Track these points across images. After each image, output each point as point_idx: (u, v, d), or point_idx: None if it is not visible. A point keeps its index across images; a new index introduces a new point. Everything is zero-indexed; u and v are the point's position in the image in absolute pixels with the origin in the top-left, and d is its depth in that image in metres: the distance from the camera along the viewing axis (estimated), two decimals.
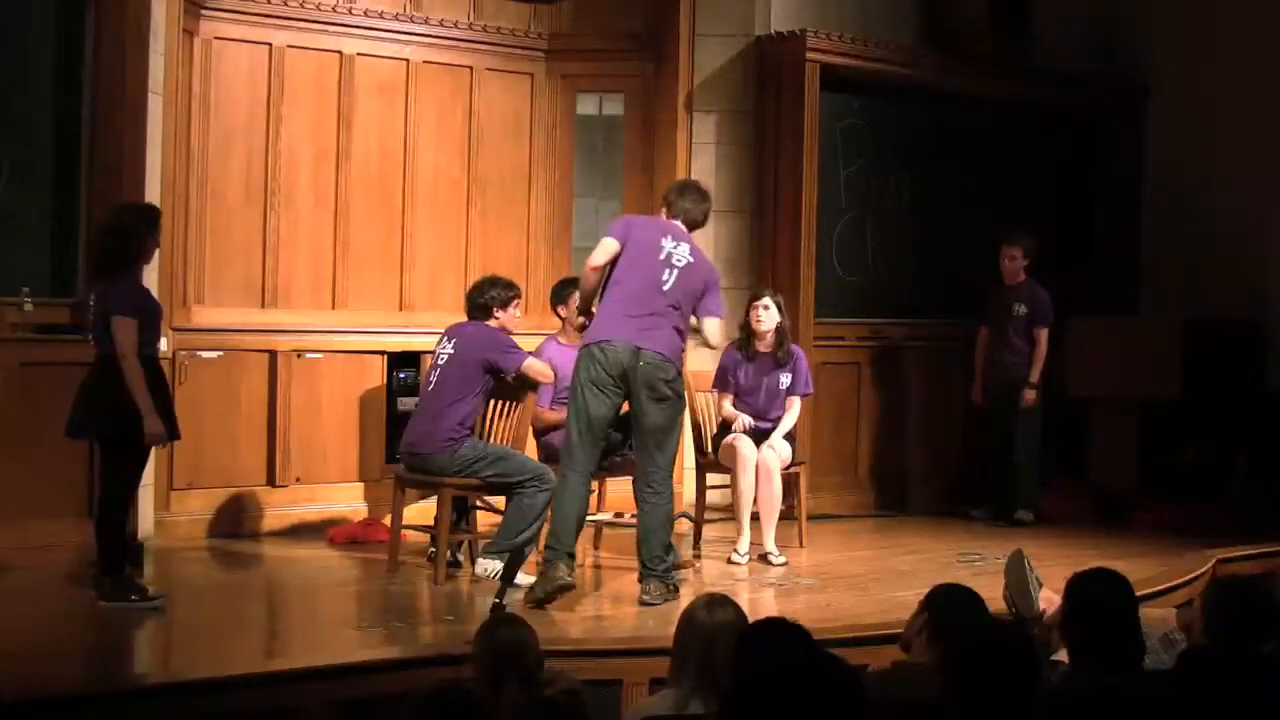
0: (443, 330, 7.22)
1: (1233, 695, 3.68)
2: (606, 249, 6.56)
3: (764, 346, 7.67)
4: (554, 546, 6.30)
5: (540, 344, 7.55)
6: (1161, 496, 9.18)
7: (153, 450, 6.46)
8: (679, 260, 6.51)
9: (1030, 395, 9.01)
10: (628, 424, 6.80)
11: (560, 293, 7.67)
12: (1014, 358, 9.08)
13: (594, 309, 6.67)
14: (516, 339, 7.17)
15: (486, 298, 7.13)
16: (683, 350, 6.62)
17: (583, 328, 6.74)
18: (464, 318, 7.23)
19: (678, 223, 6.69)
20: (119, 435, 6.06)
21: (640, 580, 6.45)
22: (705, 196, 6.84)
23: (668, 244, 6.53)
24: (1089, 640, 3.81)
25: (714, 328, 6.68)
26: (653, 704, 4.03)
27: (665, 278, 6.47)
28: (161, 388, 6.20)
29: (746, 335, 7.70)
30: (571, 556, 6.34)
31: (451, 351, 6.97)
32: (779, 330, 7.66)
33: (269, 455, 8.01)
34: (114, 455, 6.13)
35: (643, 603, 6.35)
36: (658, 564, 6.42)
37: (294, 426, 8.05)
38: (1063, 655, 4.06)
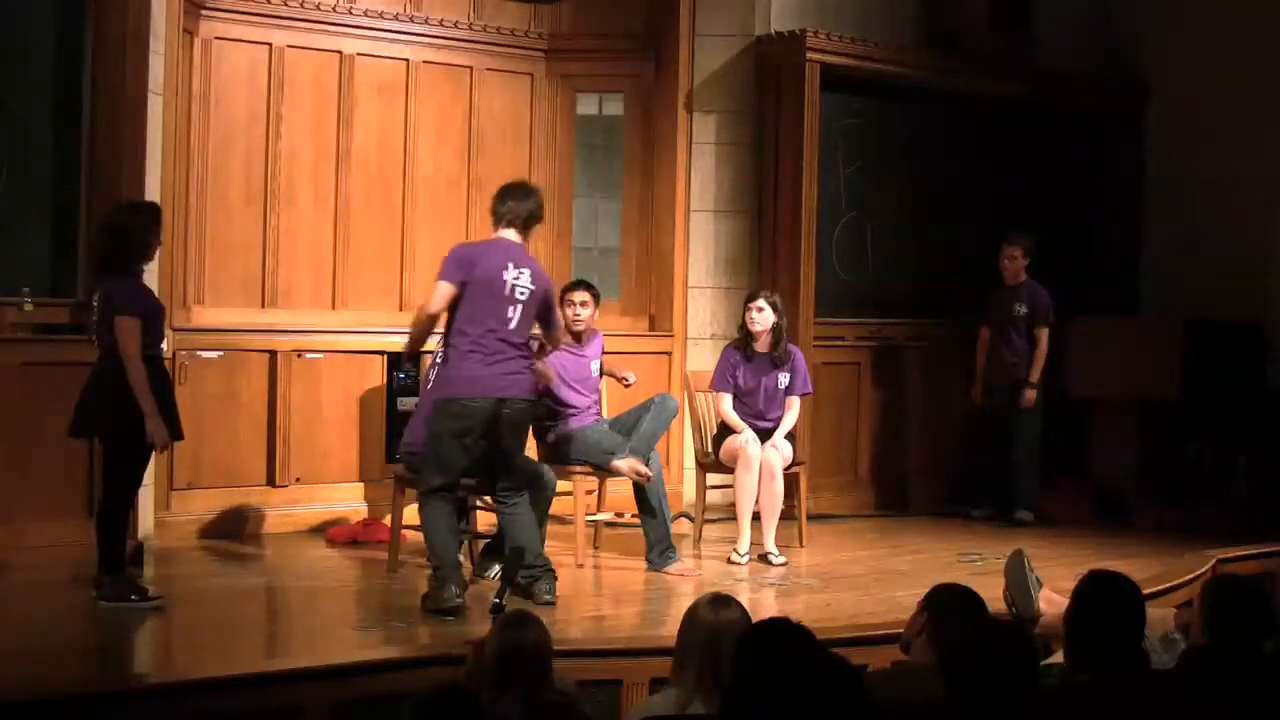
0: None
1: (1233, 695, 3.68)
2: (443, 294, 6.22)
3: (761, 347, 7.68)
4: (439, 568, 6.17)
5: None
6: (1161, 496, 9.18)
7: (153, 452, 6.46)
8: (522, 293, 6.24)
9: (1030, 395, 9.01)
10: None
11: (561, 296, 7.68)
12: (1014, 358, 9.08)
13: (440, 348, 6.49)
14: None
15: None
16: (530, 376, 6.41)
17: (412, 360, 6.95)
18: None
19: (513, 237, 6.37)
20: (121, 435, 6.06)
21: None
22: (528, 191, 6.52)
23: (509, 275, 6.24)
24: (1092, 641, 3.81)
25: (556, 337, 6.67)
26: (655, 703, 4.02)
27: (511, 315, 6.22)
28: (165, 388, 6.20)
29: (745, 336, 7.70)
30: (462, 575, 6.23)
31: None
32: (776, 330, 7.65)
33: (269, 455, 8.00)
34: (115, 455, 6.13)
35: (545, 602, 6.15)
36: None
37: (294, 426, 8.05)
38: (1062, 656, 4.06)
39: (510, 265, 6.26)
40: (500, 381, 6.19)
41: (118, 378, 5.95)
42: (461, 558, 7.12)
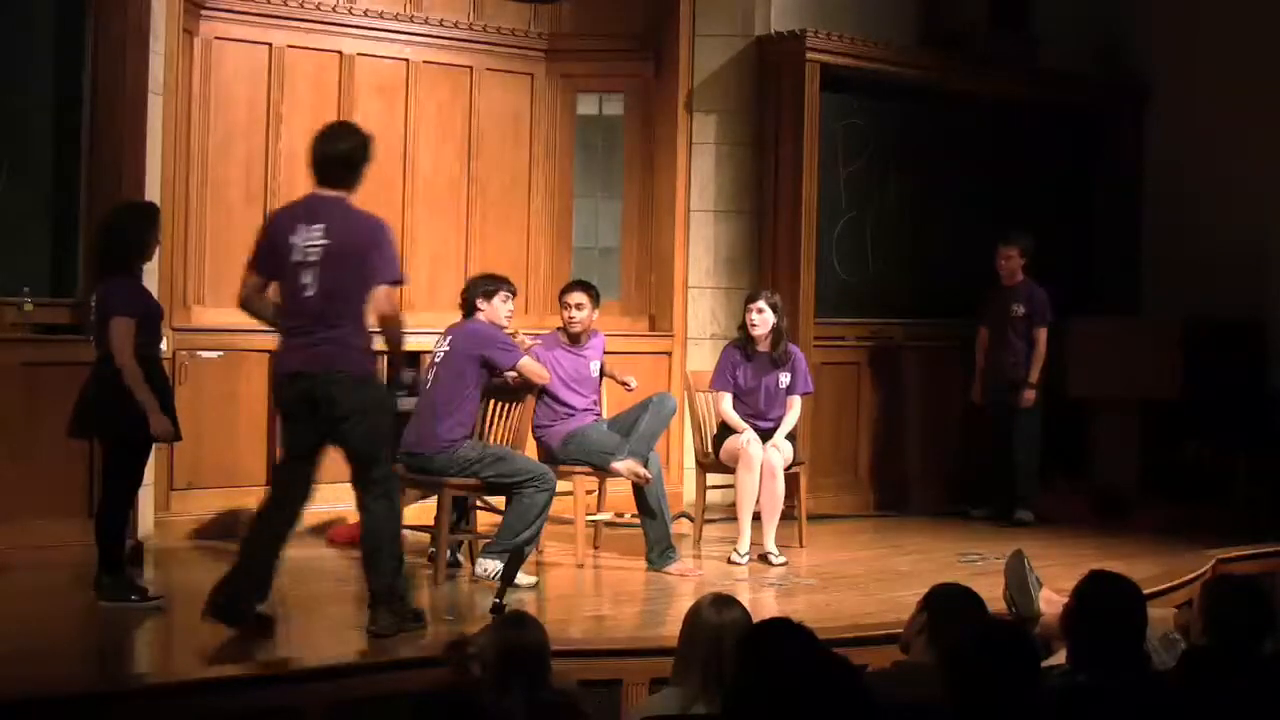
0: (442, 331, 7.23)
1: (1233, 695, 3.68)
2: (242, 283, 5.70)
3: (762, 347, 7.68)
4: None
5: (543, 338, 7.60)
6: (1161, 496, 9.18)
7: (153, 450, 6.46)
8: (312, 253, 5.46)
9: (1029, 395, 9.01)
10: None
11: (560, 297, 7.70)
12: (1013, 358, 9.08)
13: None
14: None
15: (471, 291, 7.18)
16: (361, 350, 5.60)
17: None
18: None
19: (325, 191, 5.60)
20: (120, 435, 6.06)
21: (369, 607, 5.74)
22: (339, 134, 5.73)
23: (296, 238, 5.49)
24: (1092, 642, 3.81)
25: (380, 297, 5.57)
26: (657, 703, 4.02)
27: (305, 282, 5.48)
28: (164, 389, 6.20)
29: (745, 335, 7.70)
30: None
31: (447, 349, 6.99)
32: (776, 331, 7.66)
33: (269, 455, 7.99)
34: (115, 455, 6.13)
35: (371, 633, 5.66)
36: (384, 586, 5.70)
37: None
38: (1062, 656, 4.06)
39: (300, 226, 5.52)
40: (299, 355, 5.54)
41: (117, 378, 5.96)
42: (461, 557, 7.15)
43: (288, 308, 5.59)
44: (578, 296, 7.53)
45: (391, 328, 5.66)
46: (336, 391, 5.51)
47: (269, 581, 5.73)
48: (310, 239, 5.48)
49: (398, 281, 5.67)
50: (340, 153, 5.62)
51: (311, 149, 5.67)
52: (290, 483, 5.74)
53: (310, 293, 5.48)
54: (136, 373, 5.96)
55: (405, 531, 7.02)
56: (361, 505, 5.79)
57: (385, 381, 5.98)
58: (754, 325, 7.64)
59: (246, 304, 5.73)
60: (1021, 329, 9.06)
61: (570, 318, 7.50)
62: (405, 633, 5.63)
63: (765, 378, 7.67)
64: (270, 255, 5.61)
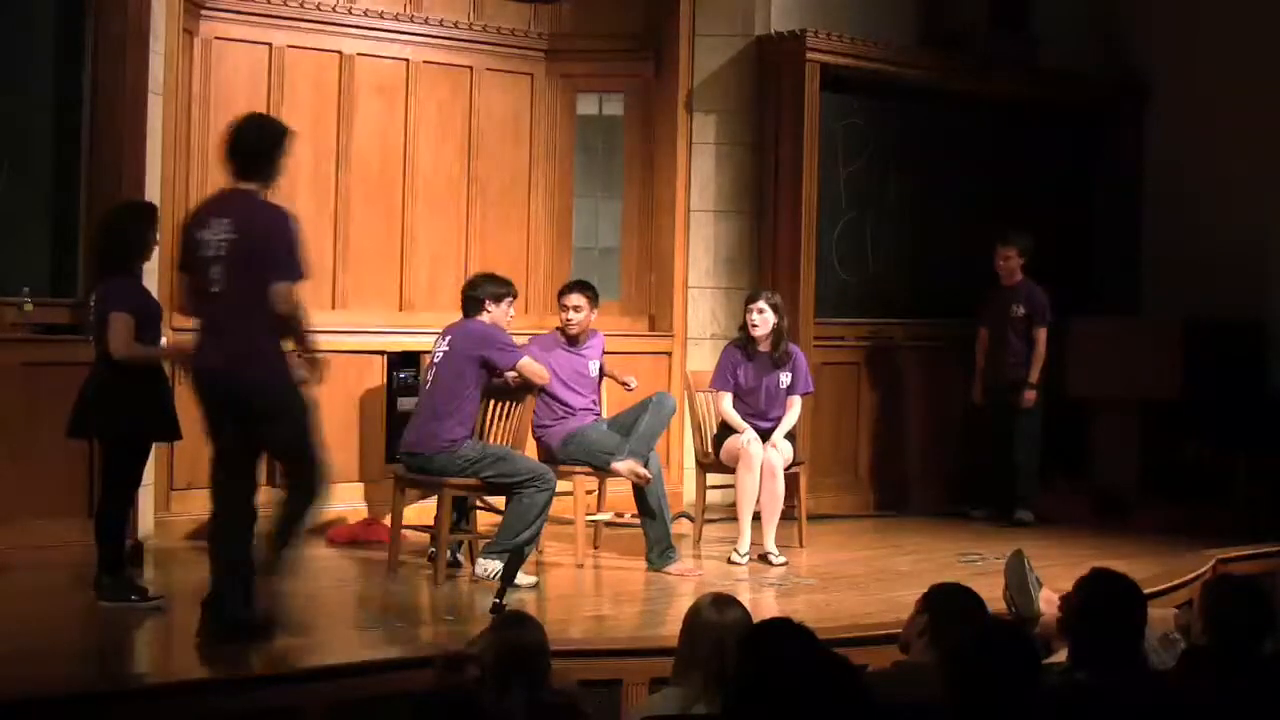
0: (440, 331, 7.22)
1: (1233, 695, 3.69)
2: (180, 289, 5.72)
3: (762, 347, 7.68)
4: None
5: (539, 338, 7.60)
6: (1161, 496, 9.18)
7: (152, 450, 6.46)
8: (218, 246, 5.34)
9: (1030, 395, 9.00)
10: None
11: (558, 299, 7.70)
12: (1013, 358, 9.08)
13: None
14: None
15: (480, 292, 7.12)
16: (271, 349, 5.44)
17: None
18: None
19: (235, 185, 5.49)
20: (119, 435, 6.06)
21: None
22: (251, 125, 5.62)
23: (207, 232, 5.38)
24: (1092, 641, 3.81)
25: (278, 295, 5.31)
26: (658, 703, 4.01)
27: (213, 277, 5.36)
28: (164, 389, 6.19)
29: (746, 335, 7.70)
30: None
31: (447, 349, 6.97)
32: (777, 331, 7.65)
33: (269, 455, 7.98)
34: (114, 455, 6.13)
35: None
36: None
37: None
38: (1062, 656, 4.06)
39: (212, 220, 5.41)
40: (210, 355, 5.44)
41: (117, 378, 5.96)
42: (461, 557, 7.15)
43: (200, 305, 5.48)
44: (575, 299, 7.52)
45: (292, 326, 5.41)
46: (246, 393, 5.38)
47: (251, 581, 5.53)
48: (219, 234, 5.35)
49: (298, 278, 5.37)
50: (250, 144, 5.49)
51: (224, 141, 5.56)
52: (227, 479, 5.54)
53: (217, 289, 5.36)
54: (138, 351, 5.94)
55: (405, 531, 7.05)
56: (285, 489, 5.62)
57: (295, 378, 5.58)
58: (754, 326, 7.64)
59: (182, 310, 5.75)
60: (1021, 329, 9.06)
61: (568, 319, 7.50)
62: (220, 638, 5.35)
63: (766, 378, 7.67)
64: (185, 251, 5.52)
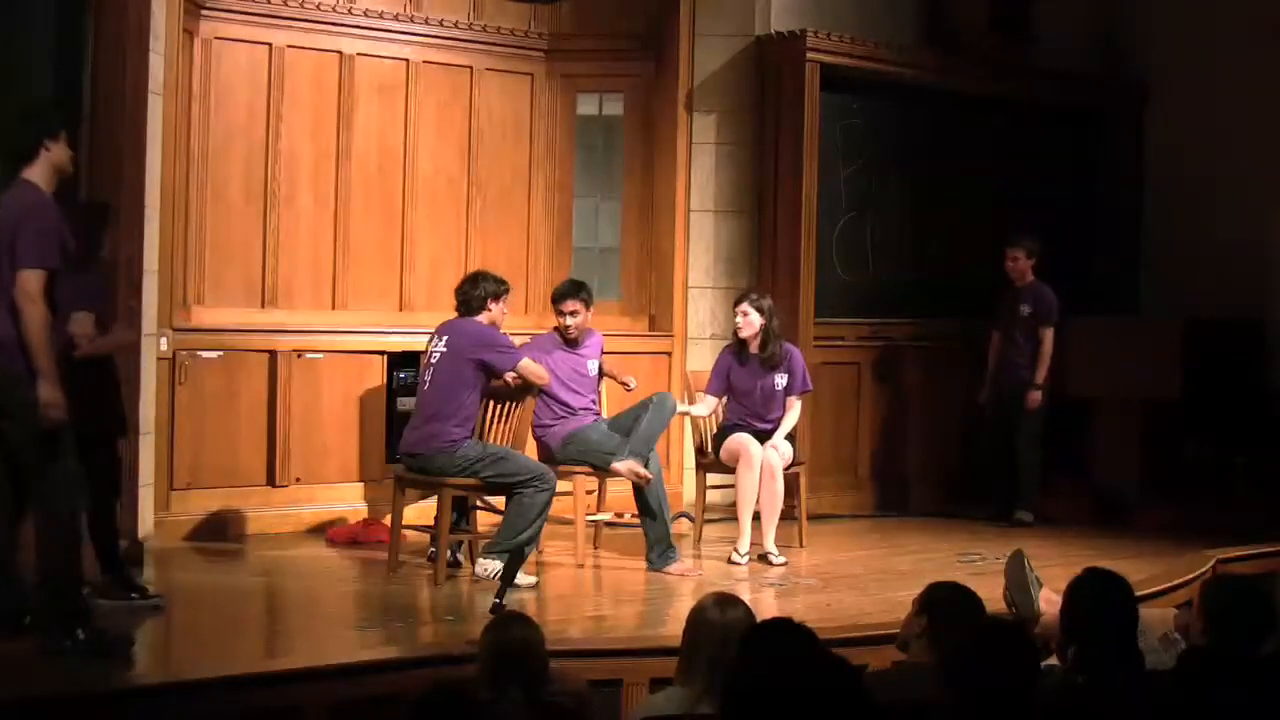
0: (433, 329, 7.20)
1: (1233, 695, 3.68)
2: None
3: (752, 348, 7.66)
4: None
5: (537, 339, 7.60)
6: (1161, 496, 9.18)
7: (152, 451, 6.45)
8: None
9: (1035, 397, 8.96)
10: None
11: (553, 304, 7.69)
12: (1019, 358, 9.06)
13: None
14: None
15: (483, 290, 7.09)
16: (13, 343, 5.01)
17: None
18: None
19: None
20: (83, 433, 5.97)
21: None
22: (22, 106, 5.36)
23: None
24: (1088, 641, 3.81)
25: (18, 283, 4.97)
26: (660, 703, 4.01)
27: None
28: (111, 381, 6.13)
29: (737, 338, 7.70)
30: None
31: (444, 349, 6.94)
32: (765, 332, 7.63)
33: (269, 455, 8.00)
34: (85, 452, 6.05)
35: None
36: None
37: (294, 426, 8.04)
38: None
39: None
40: None
41: (74, 374, 5.37)
42: (461, 557, 7.14)
43: None
44: (571, 304, 7.48)
45: (22, 320, 4.96)
46: None
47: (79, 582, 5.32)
48: None
49: (34, 267, 4.96)
50: (13, 121, 5.25)
51: None
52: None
53: None
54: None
55: (405, 531, 7.05)
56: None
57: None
58: (739, 327, 7.63)
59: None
60: (1027, 329, 9.05)
61: (565, 325, 7.50)
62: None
63: (760, 380, 7.66)
64: None
